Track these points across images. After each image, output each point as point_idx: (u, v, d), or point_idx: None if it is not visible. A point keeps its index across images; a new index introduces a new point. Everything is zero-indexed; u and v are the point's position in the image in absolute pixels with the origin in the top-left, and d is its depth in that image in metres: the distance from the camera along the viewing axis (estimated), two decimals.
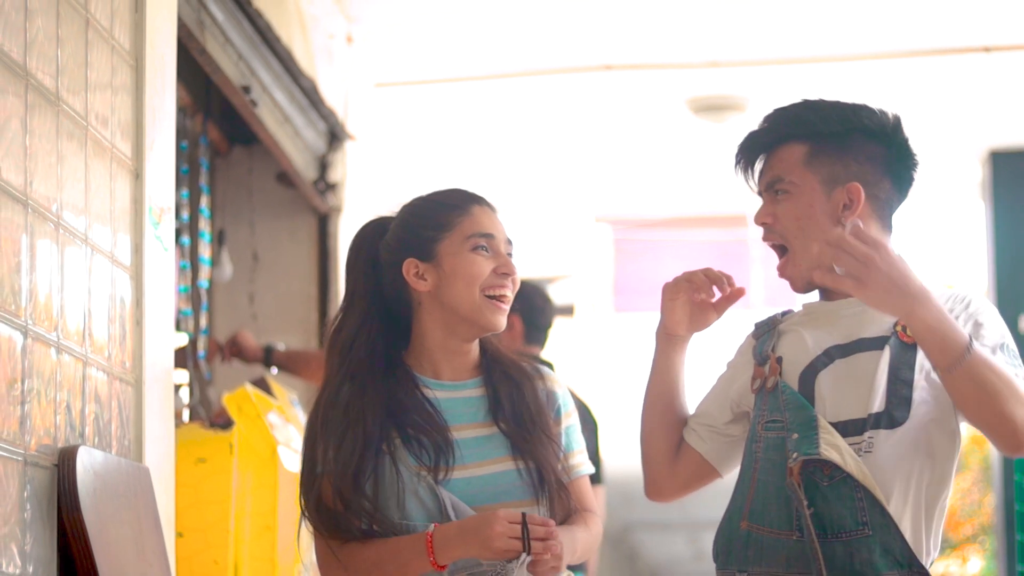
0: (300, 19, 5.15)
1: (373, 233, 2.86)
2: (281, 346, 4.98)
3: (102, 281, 3.00)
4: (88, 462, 2.76)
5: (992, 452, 8.10)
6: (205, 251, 4.89)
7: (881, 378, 2.61)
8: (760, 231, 2.79)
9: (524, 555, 2.58)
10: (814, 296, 2.80)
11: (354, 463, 2.67)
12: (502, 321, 2.78)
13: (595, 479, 4.91)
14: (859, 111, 2.73)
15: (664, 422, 2.85)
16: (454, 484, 2.70)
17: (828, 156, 2.71)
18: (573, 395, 3.19)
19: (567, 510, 2.77)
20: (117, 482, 2.92)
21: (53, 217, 2.76)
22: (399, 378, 2.77)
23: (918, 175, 2.77)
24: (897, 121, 2.74)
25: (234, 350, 4.91)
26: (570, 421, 2.86)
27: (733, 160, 2.80)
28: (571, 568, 2.82)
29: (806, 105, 2.77)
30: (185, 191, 4.68)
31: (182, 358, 4.56)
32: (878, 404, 2.60)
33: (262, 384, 4.41)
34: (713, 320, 2.83)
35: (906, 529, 2.58)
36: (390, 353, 2.79)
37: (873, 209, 2.72)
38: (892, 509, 2.57)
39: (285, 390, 4.54)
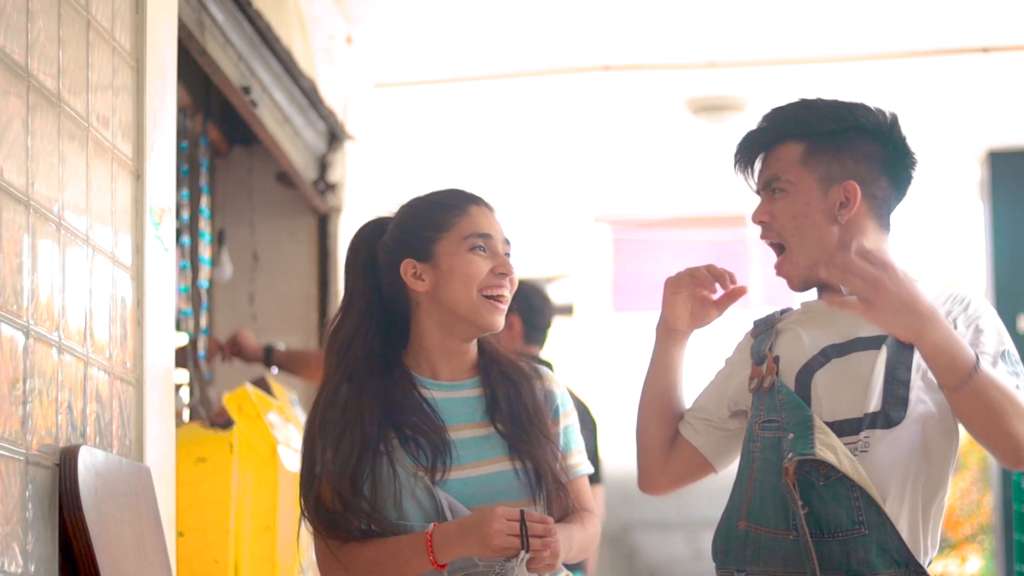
0: (300, 20, 5.16)
1: (372, 233, 2.86)
2: (281, 346, 4.99)
3: (103, 281, 3.01)
4: (89, 462, 2.77)
5: None
6: (205, 251, 4.90)
7: (878, 378, 2.62)
8: (758, 230, 2.80)
9: (523, 553, 2.59)
10: (813, 295, 2.81)
11: (352, 464, 2.68)
12: (500, 321, 2.78)
13: (594, 479, 4.92)
14: (856, 110, 2.74)
15: (660, 416, 2.85)
16: (451, 484, 2.70)
17: (824, 155, 2.72)
18: (572, 395, 3.20)
19: (565, 510, 2.77)
20: (118, 481, 2.93)
21: (55, 218, 2.77)
22: (397, 378, 2.77)
23: (916, 174, 2.78)
24: (894, 120, 2.75)
25: (234, 350, 4.92)
26: (568, 421, 2.86)
27: (732, 160, 2.81)
28: (570, 567, 2.83)
29: (803, 104, 2.77)
30: (185, 191, 4.69)
31: (182, 358, 4.57)
32: (874, 404, 2.61)
33: (262, 384, 4.42)
34: (714, 317, 2.84)
35: (903, 528, 2.58)
36: (388, 353, 2.80)
37: (870, 208, 2.73)
38: (888, 508, 2.57)
39: (285, 390, 4.55)
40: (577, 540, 2.75)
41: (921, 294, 2.54)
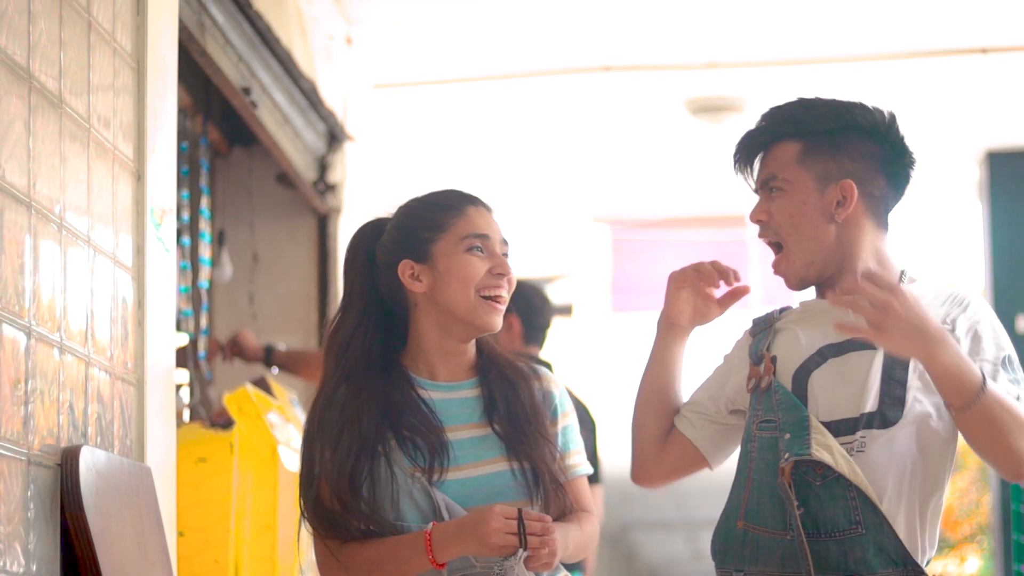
0: (300, 21, 5.17)
1: (370, 234, 2.86)
2: (282, 346, 5.00)
3: (104, 282, 3.02)
4: (91, 462, 2.77)
5: None
6: (205, 252, 4.91)
7: (874, 378, 2.62)
8: (757, 230, 2.81)
9: (521, 551, 2.59)
10: (811, 293, 2.81)
11: (350, 464, 2.68)
12: (498, 321, 2.78)
13: (593, 479, 4.92)
14: (853, 109, 2.74)
15: (657, 409, 2.86)
16: (448, 485, 2.70)
17: (821, 154, 2.72)
18: (571, 395, 3.20)
19: (563, 509, 2.77)
20: (119, 481, 2.94)
21: (56, 218, 2.78)
22: (395, 379, 2.77)
23: (915, 174, 2.78)
24: (892, 119, 2.75)
25: (235, 350, 4.93)
26: (567, 421, 2.86)
27: (731, 159, 2.81)
28: (569, 567, 2.83)
29: (801, 103, 2.78)
30: (185, 192, 4.70)
31: (182, 358, 4.58)
32: (871, 404, 2.62)
33: (262, 384, 4.43)
34: (715, 315, 2.85)
35: (900, 528, 2.59)
36: (387, 354, 2.80)
37: (867, 206, 2.73)
38: (885, 508, 2.58)
39: (285, 390, 4.56)
40: (574, 539, 2.75)
41: (929, 316, 2.54)
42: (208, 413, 4.50)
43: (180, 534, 3.58)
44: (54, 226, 2.77)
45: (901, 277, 2.74)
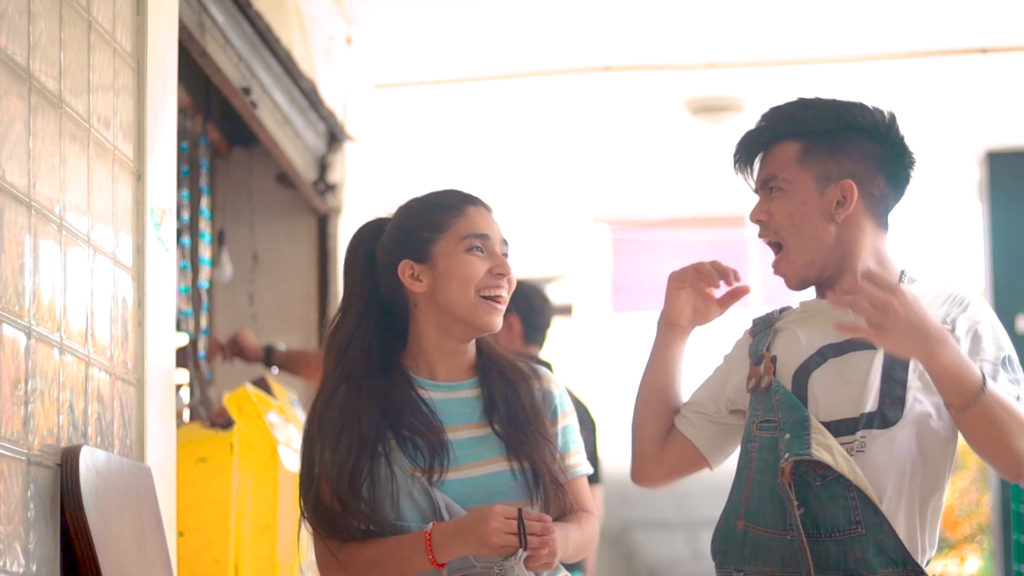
0: (300, 21, 5.17)
1: (370, 234, 2.86)
2: (282, 346, 5.00)
3: (104, 282, 3.02)
4: (91, 462, 2.78)
5: None
6: (205, 252, 4.91)
7: (875, 378, 2.62)
8: (757, 230, 2.81)
9: (520, 551, 2.59)
10: (811, 293, 2.81)
11: (350, 465, 2.68)
12: (498, 321, 2.78)
13: (593, 479, 4.93)
14: (853, 109, 2.74)
15: (657, 409, 2.86)
16: (448, 485, 2.70)
17: (821, 154, 2.72)
18: (571, 395, 3.20)
19: (562, 509, 2.77)
20: (119, 481, 2.94)
21: (56, 219, 2.78)
22: (395, 379, 2.77)
23: (915, 174, 2.78)
24: (892, 119, 2.75)
25: (235, 349, 4.93)
26: (567, 421, 2.86)
27: (732, 159, 2.81)
28: (568, 567, 2.83)
29: (801, 103, 2.78)
30: (185, 192, 4.70)
31: (182, 358, 4.58)
32: (871, 404, 2.62)
33: (262, 384, 4.43)
34: (715, 315, 2.85)
35: (900, 527, 2.59)
36: (387, 354, 2.80)
37: (867, 206, 2.73)
38: (885, 508, 2.58)
39: (285, 390, 4.56)
40: (574, 539, 2.75)
41: (930, 316, 2.54)
42: (208, 413, 4.51)
43: (180, 534, 3.59)
44: (54, 226, 2.77)
45: (901, 277, 2.74)
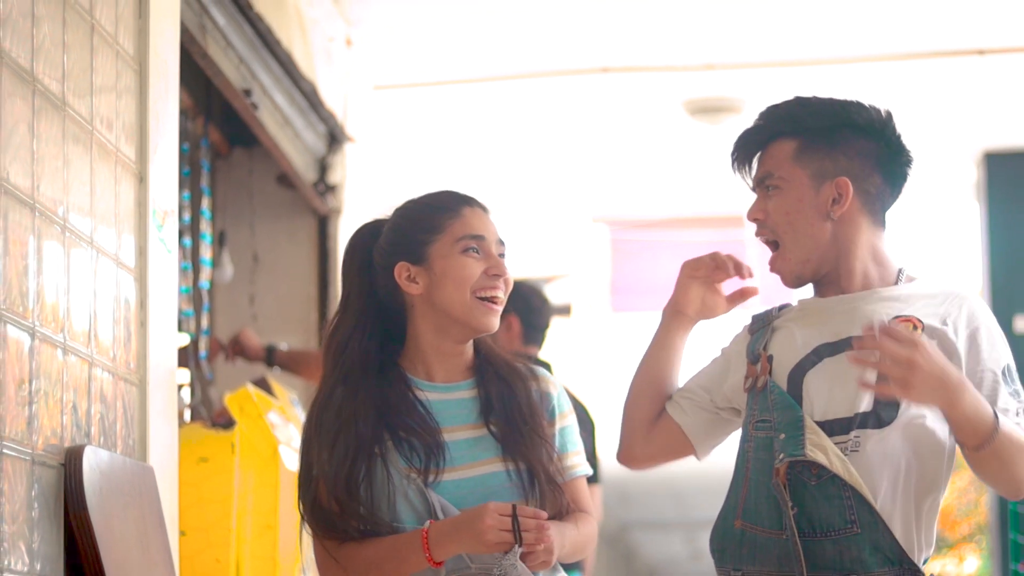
0: (300, 22, 5.19)
1: (367, 236, 2.87)
2: (283, 346, 5.02)
3: (107, 283, 3.04)
4: (94, 461, 2.79)
5: None
6: (206, 252, 4.93)
7: (870, 378, 2.61)
8: (755, 229, 2.82)
9: (516, 547, 2.60)
10: (809, 292, 2.82)
11: (347, 467, 2.68)
12: (494, 322, 2.78)
13: (592, 479, 4.95)
14: (848, 107, 2.75)
15: (650, 393, 2.86)
16: (444, 486, 2.71)
17: (817, 151, 2.72)
18: (570, 395, 3.21)
19: (560, 510, 2.77)
20: (122, 481, 2.96)
21: (59, 220, 2.79)
22: (392, 380, 2.77)
23: (912, 172, 2.78)
24: (888, 117, 2.75)
25: (237, 349, 4.95)
26: (566, 422, 2.85)
27: (729, 158, 2.82)
28: (567, 567, 2.84)
29: (797, 102, 2.78)
30: (186, 193, 4.72)
31: (183, 358, 4.59)
32: (866, 403, 2.62)
33: (263, 384, 4.44)
34: (721, 311, 2.87)
35: (896, 527, 2.60)
36: (384, 355, 2.80)
37: (863, 204, 2.73)
38: (880, 507, 2.58)
39: (285, 390, 4.57)
40: (571, 538, 2.75)
41: (948, 363, 2.54)
42: (209, 413, 4.52)
43: (182, 533, 3.60)
44: (57, 228, 2.79)
45: (899, 275, 2.75)
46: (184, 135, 4.63)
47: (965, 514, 13.19)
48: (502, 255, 2.81)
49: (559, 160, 7.86)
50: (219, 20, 4.29)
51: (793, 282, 2.77)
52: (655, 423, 2.86)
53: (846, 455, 2.60)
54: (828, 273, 2.75)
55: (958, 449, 2.66)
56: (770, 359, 2.72)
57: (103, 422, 2.97)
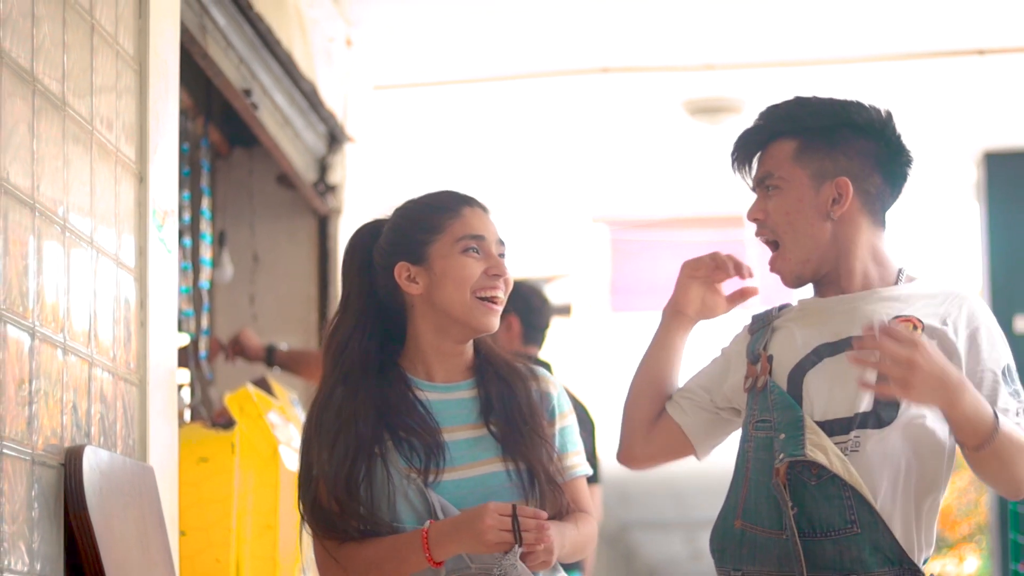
0: (300, 23, 5.19)
1: (367, 236, 2.87)
2: (283, 346, 5.02)
3: (107, 283, 3.04)
4: (94, 461, 2.79)
5: None
6: (206, 252, 4.93)
7: (870, 378, 2.61)
8: (755, 229, 2.82)
9: (517, 547, 2.60)
10: (809, 291, 2.82)
11: (347, 467, 2.69)
12: (494, 322, 2.78)
13: (592, 479, 4.95)
14: (848, 107, 2.75)
15: (650, 393, 2.86)
16: (444, 486, 2.71)
17: (817, 151, 2.73)
18: (570, 395, 3.20)
19: (560, 510, 2.77)
20: (122, 481, 2.96)
21: (59, 220, 2.80)
22: (392, 380, 2.77)
23: (912, 172, 2.78)
24: (888, 117, 2.75)
25: (237, 349, 4.95)
26: (566, 422, 2.85)
27: (729, 158, 2.82)
28: (567, 568, 2.84)
29: (797, 102, 2.79)
30: (186, 193, 4.72)
31: (183, 358, 4.59)
32: (866, 403, 2.62)
33: (263, 384, 4.45)
34: (721, 311, 2.87)
35: (896, 527, 2.60)
36: (384, 355, 2.80)
37: (863, 204, 2.73)
38: (880, 507, 2.59)
39: (285, 390, 4.57)
40: (571, 538, 2.75)
41: (948, 363, 2.55)
42: (209, 413, 4.52)
43: (182, 533, 3.60)
44: (57, 228, 2.79)
45: (899, 275, 2.75)
46: (184, 135, 4.63)
47: (965, 514, 13.19)
48: (502, 255, 2.81)
49: (559, 160, 7.86)
50: (219, 20, 4.30)
51: (793, 282, 2.77)
52: (655, 423, 2.86)
53: (846, 455, 2.60)
54: (828, 273, 2.75)
55: (958, 449, 2.66)
56: (770, 359, 2.73)
57: (103, 422, 2.98)
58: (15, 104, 2.61)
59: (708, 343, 2.97)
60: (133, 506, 3.00)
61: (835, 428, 2.63)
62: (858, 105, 2.76)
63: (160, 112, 3.37)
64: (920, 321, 2.66)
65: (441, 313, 2.78)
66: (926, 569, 2.64)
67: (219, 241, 5.43)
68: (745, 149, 2.80)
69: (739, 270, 2.83)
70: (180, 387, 4.45)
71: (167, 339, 3.39)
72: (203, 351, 4.87)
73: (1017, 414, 2.63)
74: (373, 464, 2.70)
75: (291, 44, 5.00)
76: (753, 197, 2.80)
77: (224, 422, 4.06)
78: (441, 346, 2.80)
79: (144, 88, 3.29)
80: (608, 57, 6.38)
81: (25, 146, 2.65)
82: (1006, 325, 6.46)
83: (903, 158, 2.77)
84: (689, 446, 2.86)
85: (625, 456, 2.91)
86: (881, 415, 2.62)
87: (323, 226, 5.72)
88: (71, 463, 2.74)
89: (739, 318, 2.91)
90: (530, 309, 5.04)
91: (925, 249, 9.14)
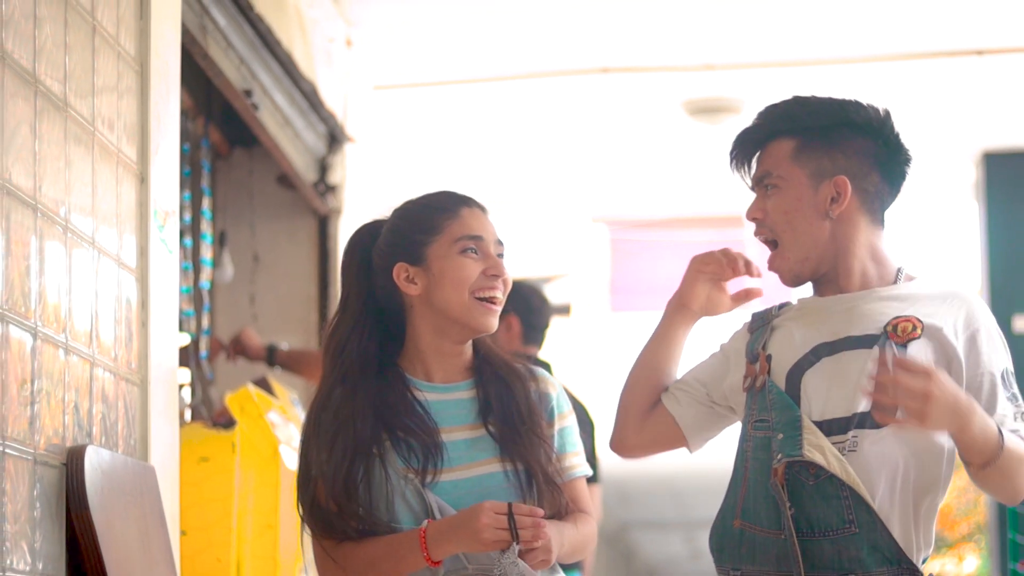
0: (300, 23, 5.20)
1: (366, 236, 2.87)
2: (284, 345, 5.03)
3: (109, 283, 3.05)
4: (96, 461, 2.80)
5: None
6: (207, 252, 4.94)
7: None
8: (754, 229, 2.83)
9: (515, 545, 2.60)
10: (808, 291, 2.83)
11: (345, 467, 2.69)
12: (493, 323, 2.78)
13: (592, 479, 4.95)
14: (846, 106, 2.75)
15: (647, 383, 2.86)
16: (442, 487, 2.71)
17: (815, 150, 2.73)
18: (569, 395, 3.20)
19: (558, 510, 2.77)
20: (124, 481, 2.97)
21: (61, 221, 2.81)
22: (390, 380, 2.77)
23: (911, 171, 2.78)
24: (886, 116, 2.75)
25: (238, 348, 4.96)
26: (565, 423, 2.85)
27: (728, 157, 2.82)
28: (566, 568, 2.84)
29: (796, 101, 2.79)
30: (187, 193, 4.73)
31: (184, 358, 4.60)
32: (865, 403, 2.62)
33: (263, 383, 4.46)
34: (724, 309, 2.87)
35: (895, 526, 2.60)
36: (383, 356, 2.80)
37: (861, 202, 2.73)
38: (878, 506, 2.59)
39: (286, 389, 4.58)
40: (570, 538, 2.75)
41: (959, 389, 2.55)
42: (210, 413, 4.53)
43: (183, 533, 3.61)
44: (59, 228, 2.80)
45: (898, 274, 2.76)
46: (185, 135, 4.64)
47: (964, 513, 13.19)
48: (501, 255, 2.81)
49: (559, 160, 7.87)
50: (220, 21, 4.31)
51: (792, 281, 2.77)
52: (649, 413, 2.86)
53: (844, 455, 2.60)
54: (827, 272, 2.75)
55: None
56: (769, 359, 2.73)
57: (105, 422, 2.99)
58: (17, 105, 2.62)
59: (707, 340, 2.98)
60: (134, 505, 3.00)
61: (833, 428, 2.63)
62: (856, 104, 2.76)
63: (161, 113, 3.38)
64: (920, 321, 2.66)
65: (440, 314, 2.78)
66: (925, 569, 2.64)
67: (219, 241, 5.44)
68: (744, 148, 2.80)
69: (749, 269, 2.83)
70: (181, 387, 4.45)
71: (168, 339, 3.40)
72: (204, 351, 4.88)
73: (1015, 418, 2.63)
74: (371, 464, 2.70)
75: (291, 44, 5.00)
76: (752, 197, 2.81)
77: (225, 422, 4.07)
78: (440, 346, 2.80)
79: (145, 89, 3.30)
80: (608, 57, 6.39)
81: (27, 147, 2.66)
82: (1005, 325, 6.45)
83: (902, 157, 2.77)
84: (682, 438, 2.86)
85: (617, 444, 2.91)
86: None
87: (323, 226, 5.72)
88: (73, 463, 2.74)
89: (739, 315, 2.91)
90: (530, 309, 5.05)
91: (924, 249, 9.14)
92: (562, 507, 2.78)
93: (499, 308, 2.80)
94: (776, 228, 2.75)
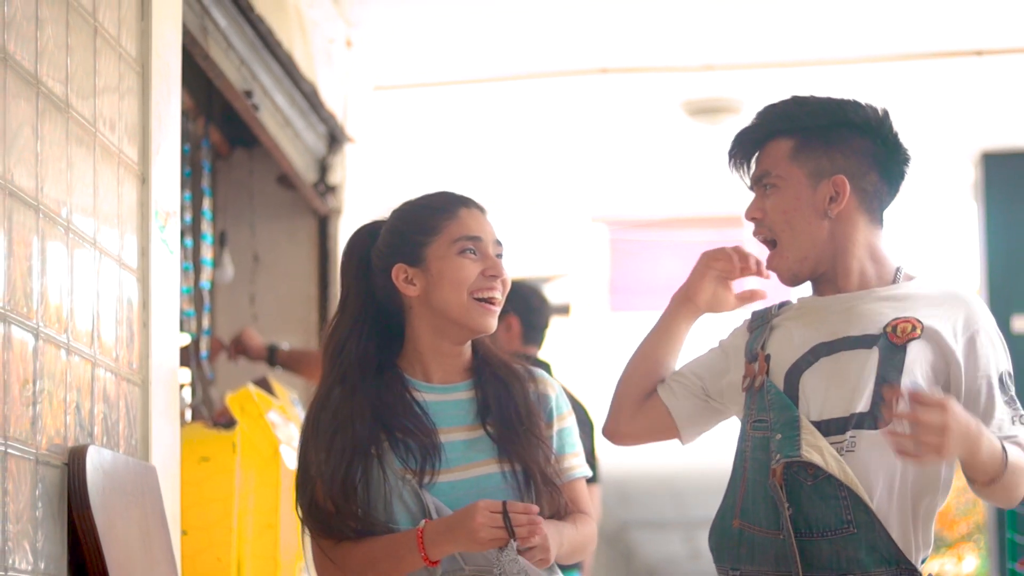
0: (300, 24, 5.21)
1: (366, 237, 2.87)
2: (285, 345, 5.03)
3: (110, 283, 3.06)
4: (97, 461, 2.81)
5: None
6: (207, 252, 4.94)
7: (868, 378, 2.63)
8: (753, 229, 2.83)
9: (512, 542, 2.61)
10: (807, 290, 2.83)
11: (343, 468, 2.69)
12: (492, 323, 2.78)
13: (591, 479, 4.96)
14: (845, 105, 2.76)
15: (644, 371, 2.87)
16: (439, 488, 2.71)
17: (814, 150, 2.73)
18: (569, 396, 3.20)
19: (557, 510, 2.77)
20: (125, 480, 2.98)
21: (63, 221, 2.81)
22: (389, 381, 2.77)
23: (910, 171, 2.78)
24: (884, 115, 2.76)
25: (239, 348, 4.96)
26: (564, 424, 2.85)
27: (727, 157, 2.82)
28: (565, 568, 2.85)
29: (794, 100, 2.79)
30: (188, 193, 4.73)
31: (184, 358, 4.60)
32: (863, 404, 2.62)
33: (264, 383, 4.46)
34: (728, 307, 2.87)
35: (893, 527, 2.61)
36: (383, 356, 2.80)
37: (860, 202, 2.74)
38: (876, 507, 2.59)
39: (286, 389, 4.59)
40: (569, 538, 2.75)
41: (969, 415, 2.55)
42: (210, 413, 4.54)
43: (184, 532, 3.62)
44: (61, 229, 2.81)
45: (897, 274, 2.76)
46: (185, 136, 4.65)
47: (963, 513, 13.20)
48: (499, 256, 2.81)
49: (559, 160, 7.87)
50: (220, 22, 4.31)
51: (790, 280, 2.78)
52: (644, 402, 2.87)
53: (842, 455, 2.60)
54: (826, 272, 2.76)
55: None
56: (767, 358, 2.74)
57: (106, 422, 2.99)
58: (19, 106, 2.63)
59: (706, 338, 2.98)
60: (135, 505, 3.01)
61: (831, 428, 2.63)
62: (855, 104, 2.77)
63: (162, 113, 3.38)
64: (920, 322, 2.67)
65: (439, 314, 2.78)
66: (924, 569, 2.64)
67: (220, 241, 5.44)
68: (742, 148, 2.81)
69: (759, 269, 2.84)
70: (181, 387, 4.46)
71: (169, 339, 3.40)
72: (204, 351, 4.88)
73: (1012, 422, 2.64)
74: (370, 465, 2.70)
75: (292, 45, 5.01)
76: (751, 196, 2.81)
77: (225, 422, 4.07)
78: (439, 347, 2.81)
79: (146, 89, 3.31)
80: (607, 57, 6.40)
81: (29, 148, 2.67)
82: (1003, 325, 6.47)
83: (900, 156, 2.77)
84: (674, 429, 2.86)
85: (610, 431, 2.92)
86: (877, 416, 2.62)
87: (323, 226, 5.73)
88: (74, 463, 2.75)
89: (740, 314, 2.92)
90: (529, 309, 5.06)
91: (923, 249, 9.15)
92: (561, 508, 2.79)
93: (498, 308, 2.80)
94: (775, 227, 2.75)
